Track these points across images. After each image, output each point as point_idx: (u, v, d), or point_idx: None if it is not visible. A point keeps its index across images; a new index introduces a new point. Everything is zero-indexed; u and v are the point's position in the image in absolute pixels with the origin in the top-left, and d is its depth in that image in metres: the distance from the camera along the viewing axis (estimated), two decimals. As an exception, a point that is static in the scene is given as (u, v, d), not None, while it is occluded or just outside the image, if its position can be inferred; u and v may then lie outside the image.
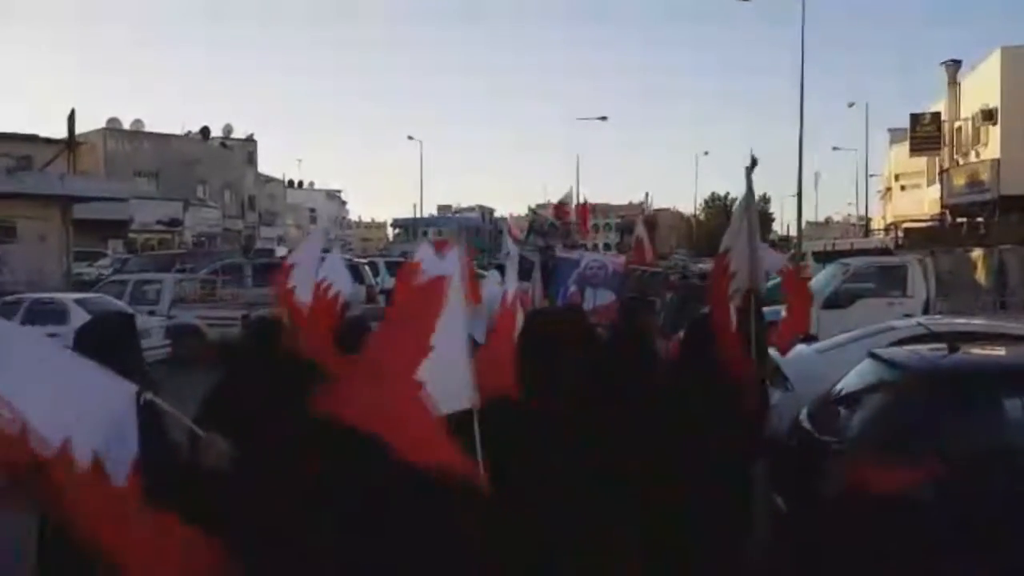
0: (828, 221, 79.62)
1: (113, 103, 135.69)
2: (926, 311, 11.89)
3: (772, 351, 4.68)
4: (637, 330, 4.33)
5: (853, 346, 7.60)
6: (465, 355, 3.07)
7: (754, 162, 4.52)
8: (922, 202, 38.19)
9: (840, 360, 7.53)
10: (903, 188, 46.04)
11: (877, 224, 50.69)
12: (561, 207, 25.37)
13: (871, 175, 51.40)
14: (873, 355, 4.79)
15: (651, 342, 4.32)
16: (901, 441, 3.95)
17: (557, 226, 24.45)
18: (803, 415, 4.85)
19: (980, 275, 16.31)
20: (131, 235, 42.71)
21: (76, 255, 28.57)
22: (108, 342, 2.98)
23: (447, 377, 3.00)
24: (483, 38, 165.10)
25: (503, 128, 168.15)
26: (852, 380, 4.83)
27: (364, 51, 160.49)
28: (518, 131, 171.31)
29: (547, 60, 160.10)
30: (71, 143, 27.58)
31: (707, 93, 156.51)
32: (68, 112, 27.32)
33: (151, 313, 14.36)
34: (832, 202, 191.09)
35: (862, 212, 56.15)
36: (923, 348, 5.02)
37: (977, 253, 17.24)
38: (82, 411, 2.54)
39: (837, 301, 11.92)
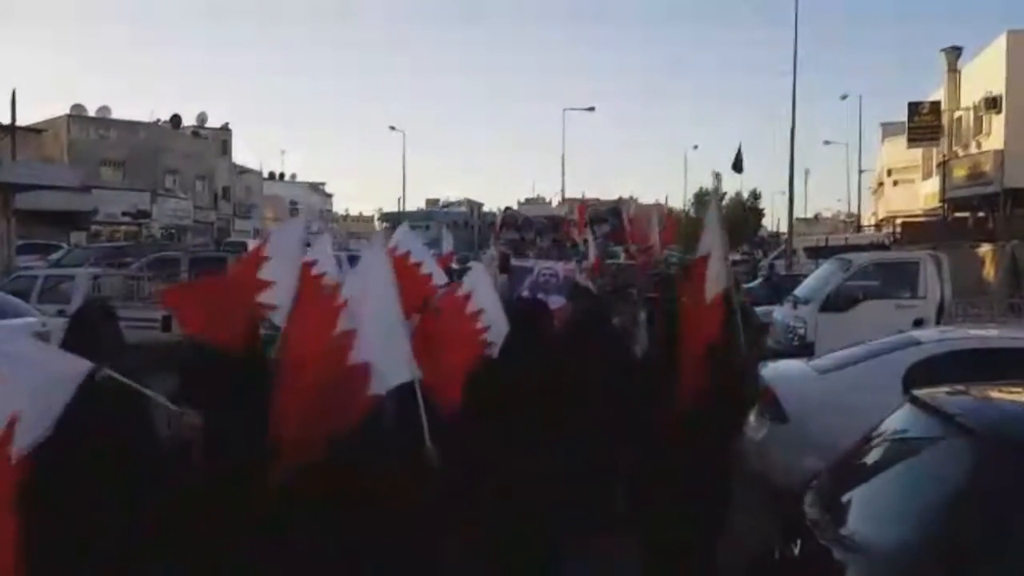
0: (817, 217, 78.19)
1: (77, 88, 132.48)
2: (939, 315, 10.28)
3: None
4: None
5: (866, 366, 5.94)
6: (400, 330, 3.39)
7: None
8: (915, 197, 36.88)
9: (849, 384, 5.90)
10: (895, 183, 45.33)
11: (867, 220, 49.55)
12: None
13: (862, 171, 50.08)
14: (917, 401, 3.09)
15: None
16: (980, 567, 2.27)
17: (533, 221, 23.78)
18: (809, 499, 3.12)
19: (988, 273, 14.74)
20: (96, 227, 40.73)
21: (27, 248, 26.60)
22: (88, 327, 3.15)
23: (385, 353, 3.26)
24: (476, 35, 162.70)
25: (494, 124, 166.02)
26: (884, 442, 3.13)
27: (355, 47, 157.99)
28: (509, 127, 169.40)
29: (539, 56, 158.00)
30: (13, 127, 25.66)
31: (698, 87, 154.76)
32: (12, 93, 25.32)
33: (60, 313, 12.50)
34: (821, 198, 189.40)
35: (851, 208, 54.83)
36: (985, 388, 3.30)
37: (985, 249, 15.65)
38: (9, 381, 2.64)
39: (837, 303, 10.25)
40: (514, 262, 9.92)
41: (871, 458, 3.09)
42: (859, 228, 45.37)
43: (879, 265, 10.87)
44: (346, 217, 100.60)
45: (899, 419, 3.15)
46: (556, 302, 7.49)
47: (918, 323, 10.17)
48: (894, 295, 10.54)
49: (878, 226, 43.00)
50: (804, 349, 10.27)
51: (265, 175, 72.42)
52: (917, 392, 3.20)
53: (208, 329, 3.68)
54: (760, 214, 56.65)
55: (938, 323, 10.20)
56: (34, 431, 2.61)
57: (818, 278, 11.35)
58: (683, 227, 40.86)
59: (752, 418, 6.49)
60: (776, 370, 6.48)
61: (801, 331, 10.30)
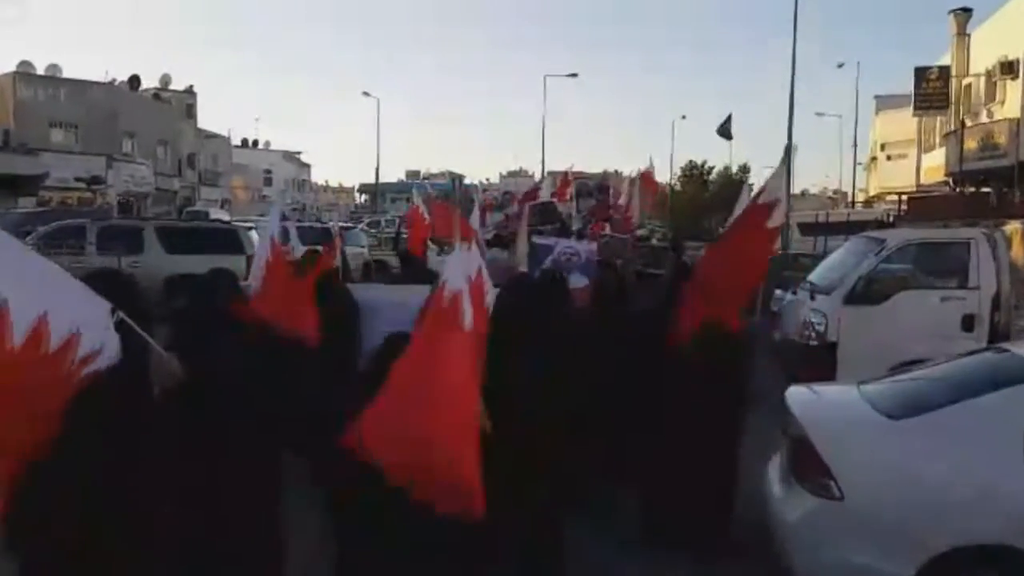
0: (804, 193, 76.08)
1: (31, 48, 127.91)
2: (995, 311, 8.15)
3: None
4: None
5: (965, 410, 3.75)
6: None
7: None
8: (911, 172, 34.92)
9: (943, 439, 3.72)
10: (889, 158, 43.75)
11: (858, 197, 47.90)
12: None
13: (856, 144, 48.13)
14: None
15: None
16: None
17: (514, 194, 22.61)
18: None
19: (1018, 256, 12.68)
20: (45, 193, 38.03)
21: (-41, 214, 24.15)
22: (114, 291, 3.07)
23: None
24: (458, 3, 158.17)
25: (476, 95, 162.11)
26: None
27: (332, 16, 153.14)
28: (491, 98, 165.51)
29: (522, 26, 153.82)
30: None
31: (686, 61, 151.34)
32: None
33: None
34: (808, 173, 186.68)
35: (842, 184, 53.00)
36: None
37: (1013, 227, 13.59)
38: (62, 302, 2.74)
39: (869, 293, 8.06)
40: (535, 239, 9.75)
41: None
42: (853, 204, 43.67)
43: (919, 245, 8.65)
44: (325, 188, 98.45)
45: None
46: (578, 281, 7.48)
47: (967, 320, 8.08)
48: (937, 284, 8.35)
49: (868, 203, 41.24)
50: (824, 350, 8.15)
51: (238, 142, 69.34)
52: None
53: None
54: (749, 189, 54.58)
55: (992, 320, 8.11)
56: (103, 355, 2.81)
57: (841, 261, 9.11)
58: (669, 201, 38.77)
59: (776, 486, 4.30)
60: (813, 406, 4.28)
61: (820, 327, 8.12)
